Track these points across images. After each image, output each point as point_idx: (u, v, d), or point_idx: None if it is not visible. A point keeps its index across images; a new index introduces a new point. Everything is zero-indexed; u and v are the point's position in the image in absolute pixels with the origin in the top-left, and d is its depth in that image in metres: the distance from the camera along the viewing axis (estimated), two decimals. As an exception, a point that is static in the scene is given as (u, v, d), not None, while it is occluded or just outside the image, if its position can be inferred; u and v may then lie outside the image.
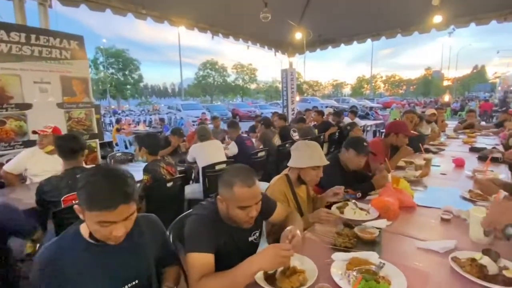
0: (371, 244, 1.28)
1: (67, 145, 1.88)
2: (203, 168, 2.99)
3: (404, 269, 1.04)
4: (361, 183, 1.96)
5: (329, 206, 1.69)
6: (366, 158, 2.03)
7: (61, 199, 1.78)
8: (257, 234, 1.30)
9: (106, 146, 4.81)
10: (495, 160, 2.61)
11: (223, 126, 6.37)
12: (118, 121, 10.67)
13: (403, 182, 1.82)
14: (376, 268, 1.04)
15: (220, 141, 3.78)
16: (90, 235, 0.92)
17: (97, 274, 0.91)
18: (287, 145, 4.24)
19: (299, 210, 1.65)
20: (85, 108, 3.79)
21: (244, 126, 6.03)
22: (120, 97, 35.27)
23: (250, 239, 1.26)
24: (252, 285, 0.99)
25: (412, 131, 2.81)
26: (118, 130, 8.14)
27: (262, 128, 4.60)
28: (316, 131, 5.43)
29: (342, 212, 1.60)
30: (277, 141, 4.47)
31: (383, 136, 2.85)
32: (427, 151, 3.07)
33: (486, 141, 3.91)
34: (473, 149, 3.31)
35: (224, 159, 3.32)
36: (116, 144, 7.27)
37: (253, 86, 46.18)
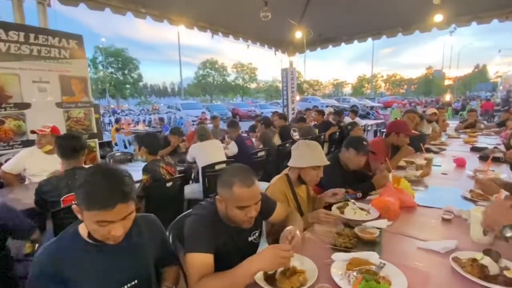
0: (372, 244, 1.27)
1: (68, 144, 1.86)
2: (203, 168, 2.98)
3: (404, 269, 1.04)
4: (361, 183, 1.96)
5: (328, 207, 1.68)
6: (366, 158, 2.02)
7: (61, 199, 1.78)
8: (257, 234, 1.29)
9: (105, 145, 4.81)
10: (496, 160, 2.61)
11: (223, 125, 6.36)
12: (117, 120, 10.68)
13: (403, 182, 1.81)
14: (377, 268, 1.03)
15: (220, 141, 3.77)
16: (89, 235, 0.91)
17: (96, 274, 0.91)
18: (287, 144, 4.24)
19: (299, 210, 1.64)
20: (84, 107, 3.78)
21: (244, 126, 6.02)
22: (119, 96, 35.29)
23: (249, 239, 1.25)
24: (252, 285, 0.99)
25: (413, 131, 2.80)
26: (117, 130, 8.13)
27: (262, 127, 4.59)
28: (316, 130, 5.42)
29: (342, 212, 1.59)
30: (277, 140, 4.47)
31: (384, 136, 2.85)
32: (428, 150, 3.07)
33: (487, 141, 3.90)
34: (474, 149, 3.30)
35: (224, 159, 3.31)
36: (116, 144, 7.27)
37: (253, 85, 46.21)
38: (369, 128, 8.76)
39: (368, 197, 1.87)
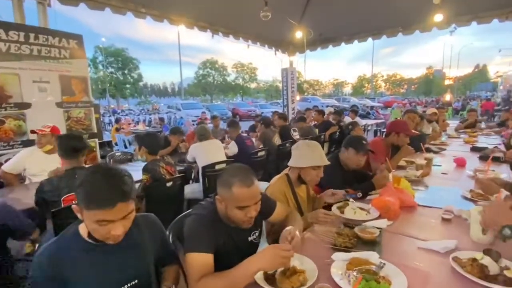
0: (372, 244, 1.27)
1: (70, 144, 1.86)
2: (203, 167, 2.98)
3: (404, 269, 1.04)
4: (361, 183, 1.95)
5: (328, 206, 1.68)
6: (366, 157, 2.02)
7: (61, 199, 1.78)
8: (257, 234, 1.29)
9: (106, 145, 4.82)
10: (496, 160, 2.61)
11: (223, 125, 6.36)
12: (117, 120, 10.67)
13: (404, 182, 1.81)
14: (377, 268, 1.03)
15: (220, 141, 3.77)
16: (89, 235, 0.91)
17: (96, 274, 0.91)
18: (287, 144, 4.24)
19: (299, 210, 1.64)
20: (84, 107, 3.78)
21: (244, 126, 6.01)
22: (119, 96, 35.31)
23: (249, 239, 1.25)
24: (252, 285, 0.99)
25: (413, 131, 2.80)
26: (117, 130, 8.13)
27: (262, 127, 4.59)
28: (316, 130, 5.41)
29: (342, 212, 1.59)
30: (277, 140, 4.47)
31: (384, 136, 2.84)
32: (428, 150, 3.07)
33: (487, 141, 3.90)
34: (474, 149, 3.30)
35: (224, 158, 3.31)
36: (116, 144, 7.27)
37: (253, 85, 46.22)
38: (369, 128, 8.75)
39: (368, 197, 1.86)
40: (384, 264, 1.05)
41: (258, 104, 27.28)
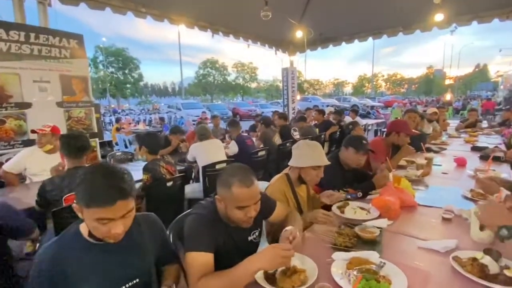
0: (372, 243, 1.27)
1: (76, 143, 1.86)
2: (203, 167, 2.99)
3: (404, 269, 1.04)
4: (361, 182, 1.95)
5: (325, 207, 1.67)
6: (366, 156, 2.02)
7: (63, 199, 1.78)
8: (257, 233, 1.29)
9: (106, 145, 4.81)
10: (497, 159, 2.60)
11: (223, 125, 6.36)
12: (117, 120, 10.66)
13: (404, 182, 1.81)
14: (377, 267, 1.03)
15: (220, 140, 3.78)
16: (90, 234, 0.91)
17: (97, 273, 0.91)
18: (287, 144, 4.24)
19: (299, 209, 1.64)
20: (84, 107, 3.79)
21: (245, 125, 6.01)
22: (120, 96, 35.30)
23: (249, 238, 1.25)
24: (252, 284, 0.99)
25: (413, 130, 2.80)
26: (118, 129, 8.13)
27: (262, 127, 4.59)
28: (317, 130, 5.41)
29: (342, 212, 1.59)
30: (277, 140, 4.47)
31: (384, 135, 2.84)
32: (429, 150, 3.07)
33: (488, 140, 3.90)
34: (475, 148, 3.30)
35: (225, 158, 3.31)
36: (116, 144, 7.28)
37: (253, 85, 46.16)
38: (369, 127, 8.74)
39: (369, 197, 1.86)
40: (384, 263, 1.05)
41: (258, 103, 27.27)
